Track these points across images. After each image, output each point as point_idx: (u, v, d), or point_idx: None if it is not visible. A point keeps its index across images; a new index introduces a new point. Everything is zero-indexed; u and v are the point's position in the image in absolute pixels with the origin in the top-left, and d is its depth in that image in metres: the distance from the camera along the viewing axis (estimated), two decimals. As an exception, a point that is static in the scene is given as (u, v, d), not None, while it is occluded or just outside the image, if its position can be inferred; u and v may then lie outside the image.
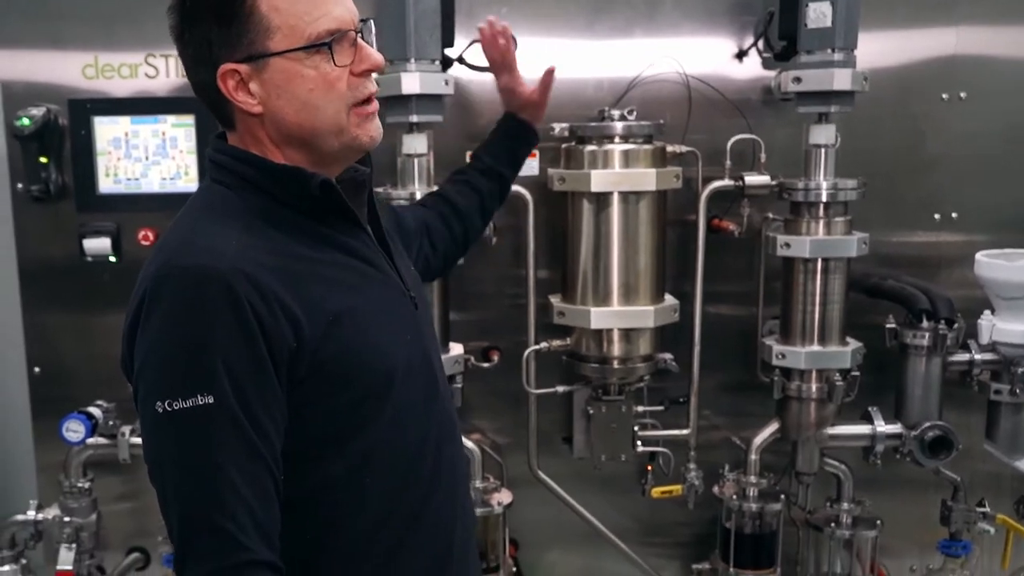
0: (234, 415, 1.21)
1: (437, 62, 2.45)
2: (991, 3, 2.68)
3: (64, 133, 2.58)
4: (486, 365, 2.66)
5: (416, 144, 2.49)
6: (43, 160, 2.56)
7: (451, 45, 2.52)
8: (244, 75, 1.30)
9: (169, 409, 1.20)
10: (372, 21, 1.39)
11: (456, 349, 2.57)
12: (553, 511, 2.76)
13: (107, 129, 2.55)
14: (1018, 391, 2.57)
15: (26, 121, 2.52)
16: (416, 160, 2.50)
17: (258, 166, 1.34)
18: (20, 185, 2.60)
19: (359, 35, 1.34)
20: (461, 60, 2.57)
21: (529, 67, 2.59)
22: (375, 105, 1.37)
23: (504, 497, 2.60)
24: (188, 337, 1.22)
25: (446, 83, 2.46)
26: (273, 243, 1.29)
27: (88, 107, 2.56)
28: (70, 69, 2.59)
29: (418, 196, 2.44)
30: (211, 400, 1.20)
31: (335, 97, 1.31)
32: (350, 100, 1.33)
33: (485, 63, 2.34)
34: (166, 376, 1.22)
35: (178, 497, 1.22)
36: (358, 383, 1.32)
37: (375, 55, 1.35)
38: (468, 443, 2.57)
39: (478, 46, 2.34)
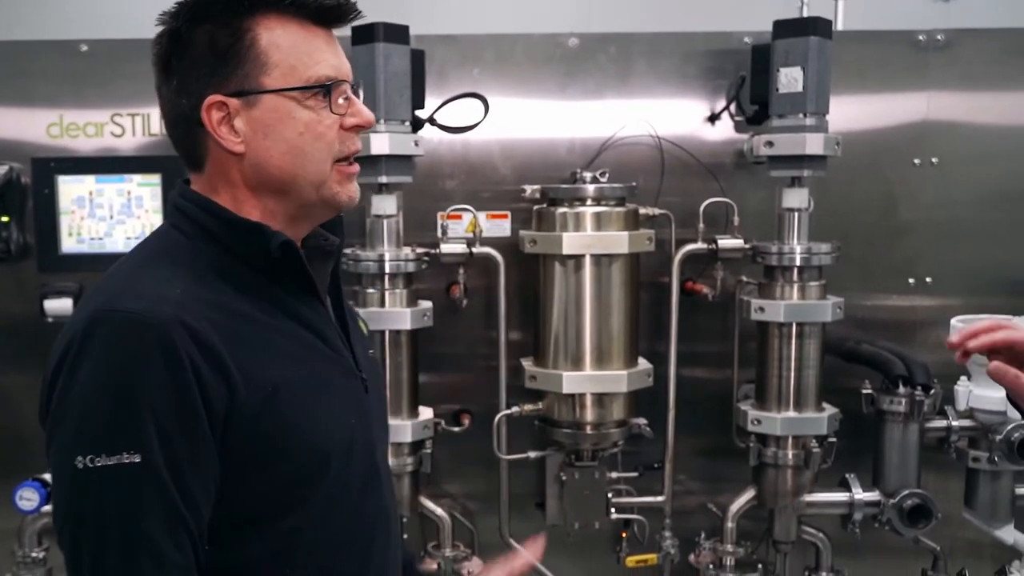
0: (161, 478, 1.15)
1: (407, 123, 2.55)
2: (961, 69, 2.81)
3: (26, 191, 2.64)
4: (457, 429, 2.71)
5: (385, 205, 2.56)
6: (4, 219, 2.62)
7: (421, 106, 2.61)
8: (232, 109, 1.28)
9: (91, 465, 1.13)
10: (361, 84, 1.43)
11: (426, 413, 2.63)
12: (525, 582, 2.79)
13: (71, 188, 2.62)
14: (996, 459, 2.64)
15: (-12, 179, 2.58)
16: (385, 221, 2.57)
17: (220, 216, 1.31)
18: (-20, 244, 2.65)
19: (352, 91, 1.35)
20: (432, 121, 2.66)
21: (501, 127, 2.71)
22: (356, 167, 1.36)
23: (474, 566, 2.63)
24: (118, 387, 1.15)
25: (416, 144, 2.55)
26: (222, 299, 1.26)
27: (52, 165, 2.62)
28: (34, 127, 2.66)
29: (387, 257, 2.52)
30: (138, 459, 1.14)
31: (323, 146, 1.30)
32: (336, 153, 1.31)
33: (456, 124, 2.43)
34: (90, 428, 1.15)
35: (95, 566, 1.16)
36: (290, 461, 1.26)
37: (366, 112, 1.35)
38: (438, 510, 2.61)
39: (448, 107, 2.44)
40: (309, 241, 1.41)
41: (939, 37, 2.81)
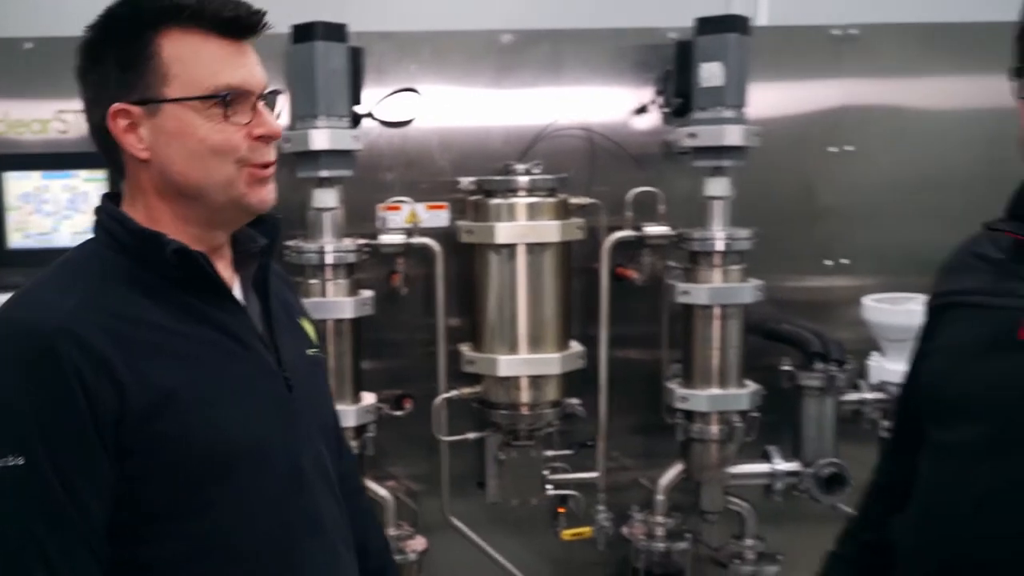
0: (48, 480, 1.22)
1: (346, 118, 2.76)
2: (874, 60, 3.10)
3: (-29, 188, 2.80)
4: (399, 413, 2.95)
5: (326, 198, 2.77)
6: (-51, 215, 2.78)
7: (359, 102, 2.83)
8: (136, 117, 1.35)
9: None
10: (280, 94, 1.47)
11: (368, 398, 2.86)
12: (468, 556, 3.05)
13: (17, 184, 2.78)
14: (907, 428, 2.95)
15: (-68, 176, 2.73)
16: (326, 214, 2.79)
17: (125, 226, 1.39)
18: (-75, 241, 2.80)
19: (262, 101, 1.41)
20: (370, 116, 2.88)
21: (439, 120, 2.93)
22: (268, 171, 1.42)
23: (418, 544, 2.88)
24: (2, 394, 1.24)
25: (355, 139, 2.76)
26: (126, 307, 1.33)
27: (-2, 161, 2.78)
28: (-22, 123, 2.83)
29: (328, 248, 2.74)
30: (21, 461, 1.21)
31: (227, 152, 1.36)
32: (244, 160, 1.37)
33: (394, 118, 2.65)
34: None
35: None
36: (192, 462, 1.32)
37: (273, 123, 1.40)
38: (382, 491, 2.85)
39: (388, 100, 2.66)
40: (239, 245, 1.50)
41: (853, 31, 3.10)
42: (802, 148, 3.10)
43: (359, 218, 2.90)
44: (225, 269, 1.47)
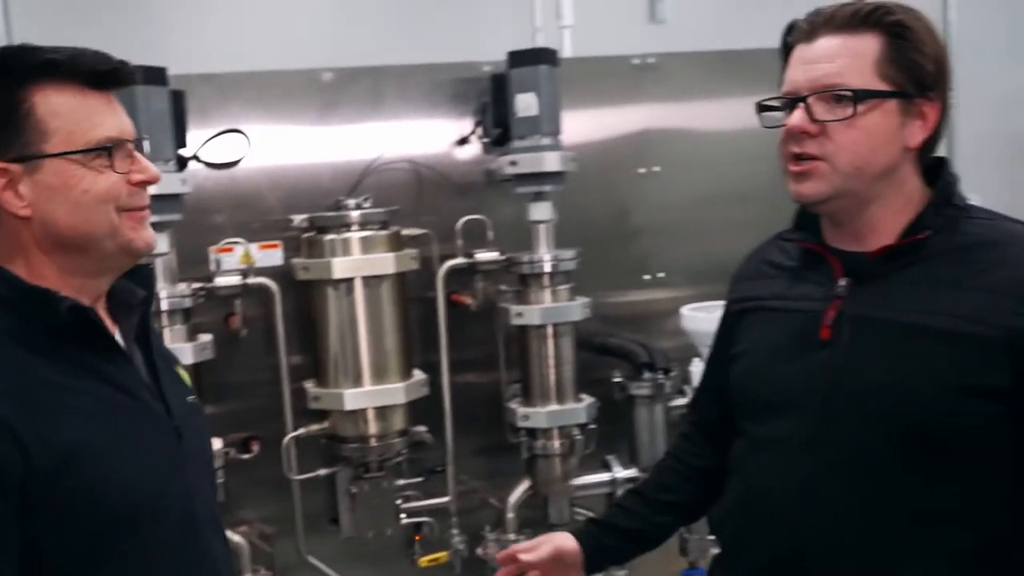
0: None
1: (172, 162, 2.74)
2: (672, 86, 3.35)
3: None
4: (247, 456, 2.93)
5: (158, 244, 2.73)
6: None
7: (184, 145, 2.81)
8: (15, 175, 1.35)
9: None
10: (146, 140, 1.50)
11: (215, 443, 2.82)
12: (326, 595, 3.06)
13: None
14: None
15: None
16: (159, 259, 2.75)
17: (10, 284, 1.38)
18: None
19: (135, 148, 1.44)
20: (196, 158, 2.87)
21: (265, 159, 2.95)
22: (146, 212, 1.44)
23: (276, 587, 2.87)
24: None
25: (183, 182, 2.75)
26: (16, 366, 1.33)
27: None
28: None
29: (163, 295, 2.71)
30: None
31: (109, 200, 1.38)
32: (123, 206, 1.39)
33: (220, 159, 2.66)
34: None
35: None
36: (97, 517, 1.33)
37: (151, 168, 1.44)
38: (235, 536, 2.82)
39: (212, 143, 2.66)
40: (115, 296, 1.50)
41: (651, 60, 3.34)
42: (614, 171, 3.31)
43: (191, 262, 2.87)
44: (106, 320, 1.48)
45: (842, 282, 1.51)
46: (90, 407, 1.37)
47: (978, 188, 1.52)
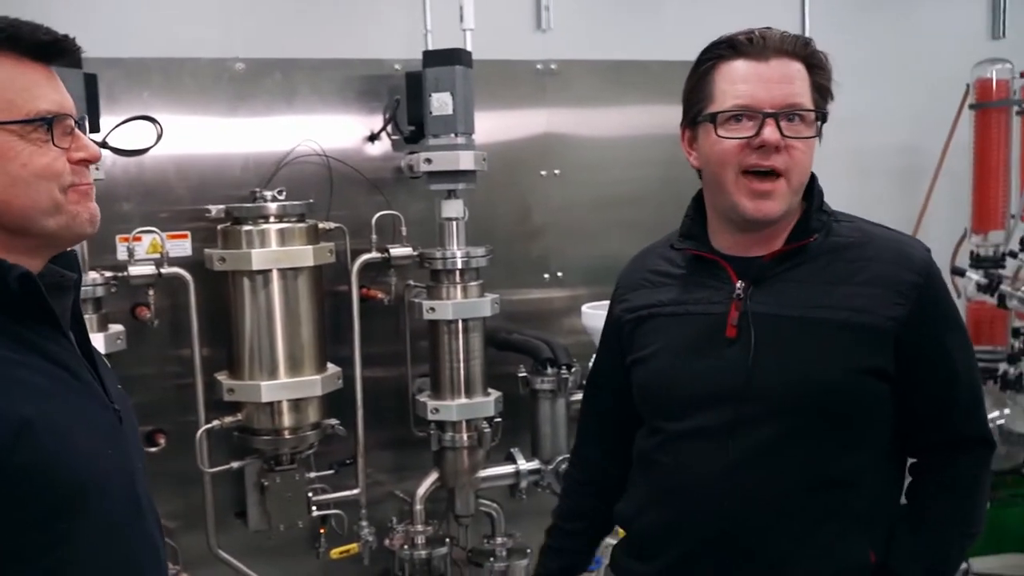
0: None
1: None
2: (572, 93, 3.50)
3: None
4: (153, 449, 2.88)
5: (67, 230, 2.67)
6: None
7: (97, 130, 2.75)
8: None
9: None
10: (87, 119, 1.54)
11: (128, 436, 2.77)
12: (235, 589, 3.04)
13: None
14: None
15: None
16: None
17: None
18: None
19: (77, 125, 1.39)
20: (105, 144, 2.80)
21: (175, 148, 2.92)
22: (91, 185, 1.41)
23: (186, 581, 2.83)
24: None
25: (96, 168, 2.68)
26: None
27: None
28: None
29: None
30: None
31: (50, 176, 1.34)
32: (66, 183, 1.35)
33: (129, 146, 2.62)
34: None
35: None
36: (49, 493, 1.31)
37: (92, 146, 1.40)
38: (144, 532, 2.77)
39: (121, 130, 2.63)
40: (45, 278, 1.43)
41: (553, 66, 3.48)
42: (518, 171, 3.43)
43: (98, 251, 2.81)
44: None
45: (739, 285, 1.68)
46: (39, 382, 1.34)
47: (829, 201, 1.75)
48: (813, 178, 1.72)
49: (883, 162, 4.45)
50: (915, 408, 1.68)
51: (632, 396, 1.83)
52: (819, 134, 1.65)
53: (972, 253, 4.28)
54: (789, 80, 1.61)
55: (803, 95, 1.62)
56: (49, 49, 1.36)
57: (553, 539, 2.04)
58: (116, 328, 2.76)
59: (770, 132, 1.59)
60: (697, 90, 1.69)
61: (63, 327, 1.41)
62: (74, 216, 1.37)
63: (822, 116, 1.64)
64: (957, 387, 1.70)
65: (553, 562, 2.01)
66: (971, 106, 4.27)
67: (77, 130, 1.39)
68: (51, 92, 1.36)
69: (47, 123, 1.33)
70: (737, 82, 1.63)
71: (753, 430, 1.64)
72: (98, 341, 2.65)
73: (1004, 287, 4.00)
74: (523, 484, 3.24)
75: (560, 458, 3.24)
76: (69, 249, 1.47)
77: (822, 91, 1.65)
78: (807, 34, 4.38)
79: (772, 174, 1.61)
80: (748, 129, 1.61)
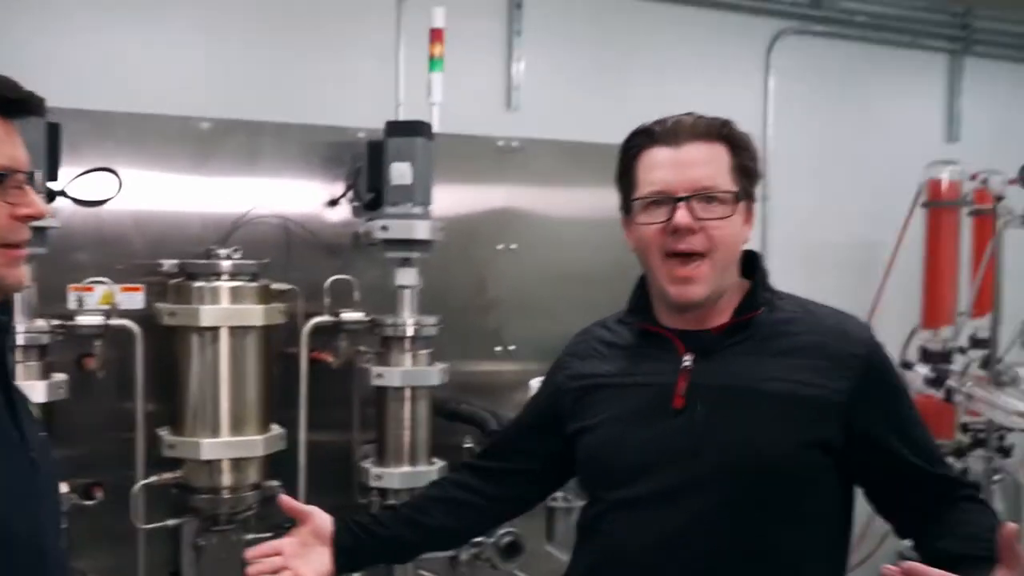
0: None
1: (42, 195, 2.69)
2: (533, 170, 3.58)
3: None
4: (89, 502, 2.85)
5: (18, 277, 2.68)
6: None
7: (55, 179, 2.78)
8: None
9: None
10: (38, 173, 1.55)
11: (61, 487, 2.74)
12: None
13: None
14: (569, 497, 3.36)
15: None
16: (17, 293, 2.68)
17: None
18: None
19: (29, 179, 1.42)
20: (64, 194, 2.84)
21: (135, 201, 2.95)
22: (23, 251, 1.43)
23: (112, 641, 2.79)
24: None
25: (52, 215, 2.71)
26: None
27: None
28: None
29: (19, 329, 2.65)
30: None
31: None
32: (2, 241, 1.37)
33: (89, 197, 2.66)
34: None
35: None
36: None
37: (39, 204, 1.42)
38: (72, 587, 2.74)
39: (82, 179, 2.67)
40: None
41: (514, 144, 3.57)
42: (474, 244, 3.50)
43: (49, 299, 2.82)
44: None
45: (687, 357, 1.73)
46: None
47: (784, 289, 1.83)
48: (757, 257, 1.80)
49: (836, 255, 4.57)
50: (886, 479, 1.72)
51: (527, 460, 1.95)
52: (749, 212, 1.72)
53: (920, 348, 4.38)
54: (702, 163, 1.69)
55: (718, 176, 1.69)
56: (13, 106, 1.39)
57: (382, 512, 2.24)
58: (59, 377, 2.75)
59: (680, 216, 1.66)
60: (624, 177, 1.78)
61: None
62: (1, 277, 1.40)
63: (745, 195, 1.71)
64: (921, 451, 1.72)
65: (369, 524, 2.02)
66: (923, 205, 4.41)
67: (27, 185, 1.42)
68: (8, 147, 1.38)
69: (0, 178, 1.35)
70: (654, 169, 1.71)
71: (694, 499, 1.67)
72: (39, 389, 2.65)
73: (951, 382, 4.10)
74: (463, 557, 3.23)
75: (502, 532, 3.24)
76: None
77: (745, 171, 1.72)
78: (768, 124, 4.57)
79: (693, 256, 1.67)
80: (663, 214, 1.68)
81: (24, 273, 1.43)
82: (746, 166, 1.73)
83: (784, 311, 1.76)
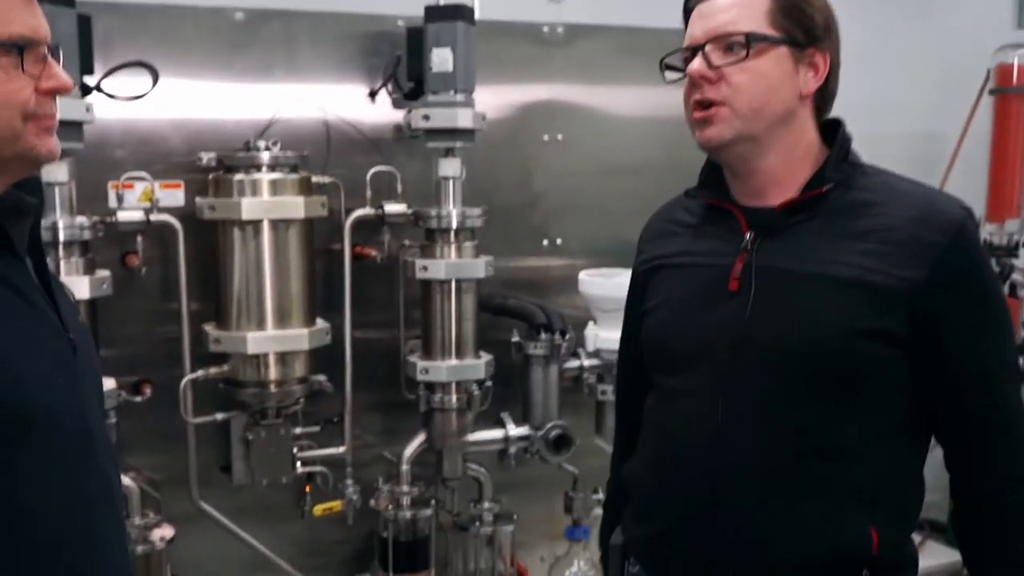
0: None
1: (76, 88, 2.68)
2: (579, 59, 3.48)
3: None
4: (138, 399, 2.88)
5: (56, 172, 2.67)
6: None
7: (90, 72, 2.75)
8: None
9: None
10: (61, 48, 1.43)
11: (108, 383, 2.77)
12: (216, 542, 3.06)
13: None
14: (618, 391, 3.33)
15: None
16: (57, 188, 2.68)
17: None
18: None
19: (51, 53, 1.38)
20: (99, 88, 2.81)
21: (171, 98, 2.91)
22: (55, 120, 1.40)
23: (166, 532, 2.82)
24: None
25: (87, 109, 2.69)
26: None
27: None
28: None
29: (61, 224, 2.65)
30: None
31: (16, 103, 1.33)
32: (30, 112, 1.35)
33: (127, 93, 2.63)
34: None
35: None
36: None
37: (64, 76, 1.39)
38: (125, 480, 2.78)
39: (115, 76, 2.64)
40: (6, 202, 1.42)
41: (559, 30, 3.47)
42: (520, 135, 3.42)
43: (88, 198, 2.81)
44: None
45: (748, 236, 1.64)
46: None
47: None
48: (838, 125, 1.67)
49: (899, 149, 4.38)
50: (940, 396, 1.60)
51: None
52: (802, 59, 1.61)
53: (985, 241, 4.24)
54: (724, 10, 1.60)
55: (741, 21, 1.59)
56: None
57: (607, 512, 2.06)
58: (103, 273, 2.75)
59: (694, 65, 1.60)
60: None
61: (18, 251, 1.40)
62: (32, 147, 1.36)
63: (790, 40, 1.59)
64: (989, 390, 1.58)
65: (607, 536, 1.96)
66: (991, 91, 4.23)
67: (51, 59, 1.38)
68: (28, 17, 1.34)
69: (19, 48, 1.31)
70: (691, 24, 1.65)
71: (742, 390, 1.60)
72: (83, 284, 2.67)
73: (1016, 276, 3.97)
74: (512, 450, 3.23)
75: (550, 424, 3.23)
76: (34, 177, 1.47)
77: (790, 13, 1.60)
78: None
79: (714, 105, 1.60)
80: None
81: (55, 143, 1.39)
82: (799, 9, 1.60)
83: (864, 188, 1.62)
